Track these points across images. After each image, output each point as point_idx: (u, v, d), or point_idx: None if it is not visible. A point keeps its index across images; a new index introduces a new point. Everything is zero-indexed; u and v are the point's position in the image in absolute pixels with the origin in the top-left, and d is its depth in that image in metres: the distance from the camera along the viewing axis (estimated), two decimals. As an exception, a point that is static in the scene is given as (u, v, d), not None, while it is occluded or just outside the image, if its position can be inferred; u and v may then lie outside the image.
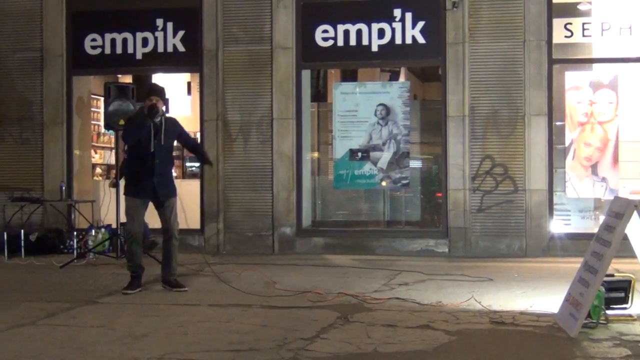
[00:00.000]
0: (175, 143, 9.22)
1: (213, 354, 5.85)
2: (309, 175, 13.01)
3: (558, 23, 11.92)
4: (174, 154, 10.04)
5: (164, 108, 8.91)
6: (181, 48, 12.83)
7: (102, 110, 13.21)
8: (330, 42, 12.38)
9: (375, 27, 12.23)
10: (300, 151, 12.50)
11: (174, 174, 9.83)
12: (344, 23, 12.31)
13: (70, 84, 13.17)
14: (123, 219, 11.50)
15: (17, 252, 11.64)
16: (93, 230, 11.77)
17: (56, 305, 7.84)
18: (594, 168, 11.76)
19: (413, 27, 12.14)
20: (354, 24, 12.29)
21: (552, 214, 11.81)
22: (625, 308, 6.87)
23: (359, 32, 12.27)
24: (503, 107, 11.78)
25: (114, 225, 11.57)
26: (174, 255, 8.82)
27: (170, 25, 12.81)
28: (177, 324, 6.93)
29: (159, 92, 8.83)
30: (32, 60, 13.14)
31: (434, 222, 12.90)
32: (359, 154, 12.32)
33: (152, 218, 9.23)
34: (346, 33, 12.31)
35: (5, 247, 11.60)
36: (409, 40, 12.17)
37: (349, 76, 14.32)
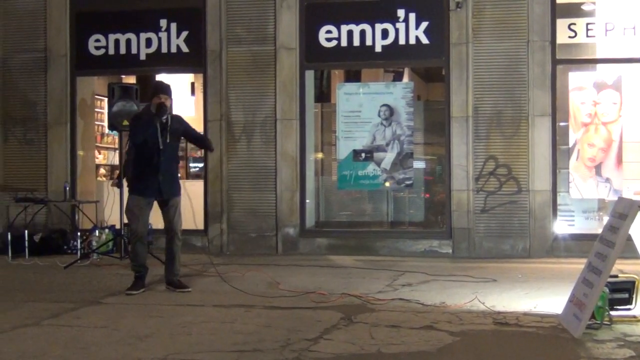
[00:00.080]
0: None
1: (217, 355, 5.85)
2: (313, 175, 13.01)
3: (562, 23, 11.90)
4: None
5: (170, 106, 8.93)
6: (185, 48, 12.83)
7: (105, 111, 13.21)
8: (334, 43, 12.38)
9: (378, 27, 12.23)
10: (304, 152, 12.50)
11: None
12: (347, 23, 12.31)
13: (74, 84, 13.18)
14: (125, 219, 11.59)
15: (21, 253, 11.65)
16: (97, 231, 11.78)
17: (60, 306, 7.85)
18: (597, 169, 11.75)
19: (417, 28, 12.13)
20: (357, 24, 12.28)
21: (556, 215, 11.80)
22: (629, 309, 6.87)
23: (362, 33, 12.27)
24: (507, 107, 11.78)
25: (117, 226, 11.58)
26: (177, 256, 8.82)
27: (173, 25, 12.82)
28: (181, 324, 6.93)
29: (167, 90, 8.84)
30: (36, 60, 13.16)
31: (437, 222, 12.89)
32: (363, 155, 12.32)
33: (154, 218, 9.23)
34: (350, 33, 12.31)
35: (9, 247, 11.60)
36: (412, 41, 12.16)
37: (353, 77, 14.32)
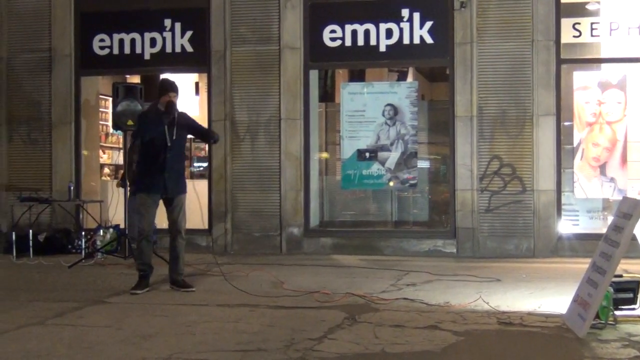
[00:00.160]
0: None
1: (221, 354, 5.85)
2: (317, 175, 13.01)
3: (566, 23, 11.89)
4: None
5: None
6: (189, 48, 12.85)
7: (110, 111, 13.23)
8: (338, 42, 12.38)
9: (383, 27, 12.23)
10: (308, 151, 12.50)
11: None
12: (351, 23, 12.31)
13: (78, 84, 13.20)
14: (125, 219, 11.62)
15: (26, 252, 11.66)
16: (101, 230, 11.79)
17: (64, 305, 7.85)
18: (602, 168, 11.73)
19: (421, 27, 12.13)
20: (361, 24, 12.28)
21: (561, 215, 11.79)
22: (633, 309, 6.86)
23: (366, 32, 12.27)
24: (511, 107, 11.76)
25: (122, 226, 11.59)
26: (182, 255, 8.82)
27: (178, 25, 12.84)
28: (185, 324, 6.94)
29: (175, 88, 8.84)
30: (41, 60, 13.18)
31: (441, 222, 12.89)
32: (367, 154, 12.31)
33: (158, 217, 9.22)
34: (354, 33, 12.31)
35: (14, 247, 11.62)
36: (416, 40, 12.16)
37: (357, 76, 14.31)
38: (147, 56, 12.97)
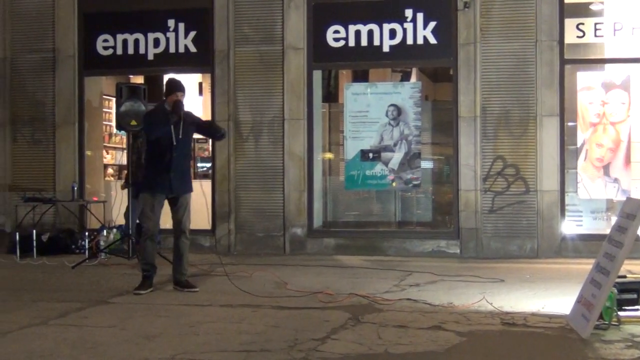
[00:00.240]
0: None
1: (224, 355, 5.86)
2: (320, 175, 13.01)
3: (570, 23, 11.88)
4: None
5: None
6: (192, 48, 12.85)
7: (113, 111, 13.24)
8: (342, 43, 12.38)
9: (386, 27, 12.22)
10: (312, 152, 12.50)
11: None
12: (355, 23, 12.31)
13: (82, 84, 13.22)
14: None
15: (29, 252, 11.67)
16: (105, 231, 11.79)
17: (68, 305, 7.86)
18: (606, 169, 11.72)
19: (424, 28, 12.12)
20: (365, 24, 12.28)
21: (564, 215, 11.77)
22: (637, 309, 6.84)
23: (370, 33, 12.26)
24: (515, 107, 11.76)
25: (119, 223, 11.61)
26: (185, 255, 8.83)
27: (181, 25, 12.84)
28: (189, 324, 6.94)
29: (182, 87, 8.87)
30: (44, 60, 13.19)
31: (445, 222, 12.88)
32: (370, 155, 12.31)
33: (161, 217, 9.22)
34: (357, 33, 12.31)
35: (18, 247, 11.62)
36: (420, 41, 12.16)
37: (360, 77, 14.32)
38: (150, 56, 12.98)
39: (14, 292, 8.77)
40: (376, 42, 12.25)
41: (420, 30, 12.14)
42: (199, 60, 12.89)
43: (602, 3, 11.87)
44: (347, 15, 12.39)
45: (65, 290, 8.91)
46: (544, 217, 11.62)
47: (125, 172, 12.32)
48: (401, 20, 12.18)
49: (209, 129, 9.28)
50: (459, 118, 11.90)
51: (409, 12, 12.16)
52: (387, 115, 12.27)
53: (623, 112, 11.70)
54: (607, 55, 12.19)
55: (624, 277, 6.87)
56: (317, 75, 12.80)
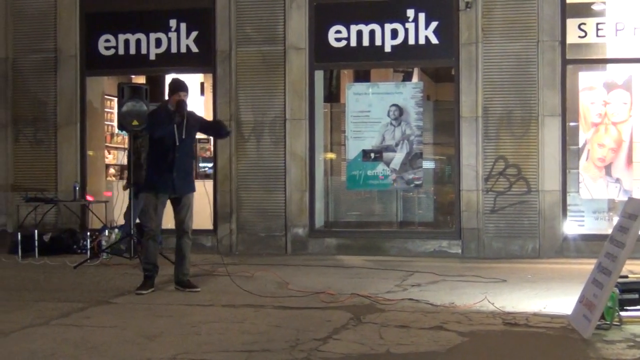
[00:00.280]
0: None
1: (226, 355, 5.86)
2: (322, 175, 13.01)
3: (572, 23, 11.87)
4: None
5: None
6: (194, 49, 12.85)
7: (115, 111, 13.24)
8: (343, 43, 12.38)
9: (388, 27, 12.22)
10: (313, 152, 12.50)
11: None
12: (357, 23, 12.30)
13: (83, 84, 13.22)
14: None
15: (31, 252, 11.67)
16: (106, 231, 11.80)
17: (69, 305, 7.86)
18: (607, 169, 11.71)
19: (426, 28, 12.12)
20: (367, 24, 12.27)
21: (566, 215, 11.77)
22: (639, 309, 6.84)
23: (372, 33, 12.26)
24: (516, 107, 11.75)
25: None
26: (187, 255, 8.82)
27: (183, 25, 12.84)
28: (190, 324, 6.94)
29: (186, 87, 8.88)
30: (46, 61, 13.19)
31: (446, 223, 12.88)
32: (372, 155, 12.30)
33: (163, 217, 9.23)
34: (359, 33, 12.30)
35: (19, 247, 11.62)
36: (422, 41, 12.15)
37: (362, 77, 14.32)
38: (152, 56, 12.98)
39: (15, 292, 8.78)
40: (378, 42, 12.25)
41: (422, 31, 12.13)
42: (201, 60, 12.90)
43: (604, 3, 11.87)
44: (348, 15, 12.38)
45: (66, 290, 8.91)
46: (546, 217, 11.61)
47: (127, 172, 12.32)
48: (403, 20, 12.18)
49: (215, 125, 9.32)
50: (461, 118, 11.90)
51: (410, 12, 12.16)
52: (388, 115, 12.27)
53: (625, 112, 11.69)
54: (609, 55, 12.18)
55: (626, 277, 6.87)
56: (319, 75, 12.80)
